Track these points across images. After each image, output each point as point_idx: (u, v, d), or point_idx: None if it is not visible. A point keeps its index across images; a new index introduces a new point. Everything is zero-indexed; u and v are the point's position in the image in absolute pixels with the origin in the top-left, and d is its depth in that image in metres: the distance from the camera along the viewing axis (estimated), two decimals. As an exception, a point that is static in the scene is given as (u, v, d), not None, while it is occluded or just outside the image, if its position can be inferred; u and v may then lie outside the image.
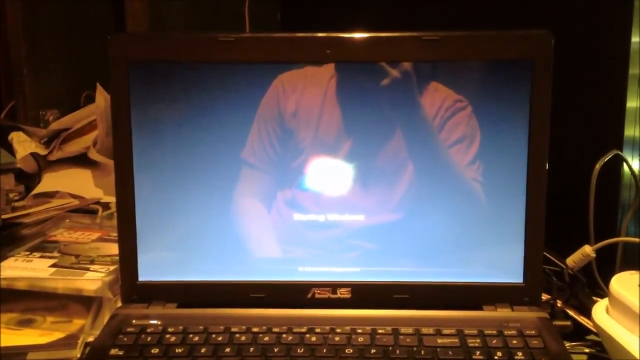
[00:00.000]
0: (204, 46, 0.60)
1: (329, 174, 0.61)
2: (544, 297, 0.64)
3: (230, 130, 0.61)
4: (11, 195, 1.01)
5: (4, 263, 0.70)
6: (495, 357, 0.53)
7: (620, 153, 0.68)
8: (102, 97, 1.02)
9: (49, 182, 1.04)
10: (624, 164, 0.69)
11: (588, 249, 0.65)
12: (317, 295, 0.61)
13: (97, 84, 1.03)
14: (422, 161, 0.61)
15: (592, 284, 0.67)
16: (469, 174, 0.60)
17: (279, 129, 0.61)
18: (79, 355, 0.59)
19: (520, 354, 0.54)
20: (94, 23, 1.34)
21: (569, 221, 0.69)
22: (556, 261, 0.69)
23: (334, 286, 0.61)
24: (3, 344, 0.60)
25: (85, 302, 0.65)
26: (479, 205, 0.61)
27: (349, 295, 0.61)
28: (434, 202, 0.61)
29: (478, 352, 0.54)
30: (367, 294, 0.61)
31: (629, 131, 0.71)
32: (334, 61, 0.59)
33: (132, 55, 0.60)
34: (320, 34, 0.59)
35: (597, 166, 0.66)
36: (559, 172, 0.61)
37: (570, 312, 0.65)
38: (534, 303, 0.60)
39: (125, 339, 0.56)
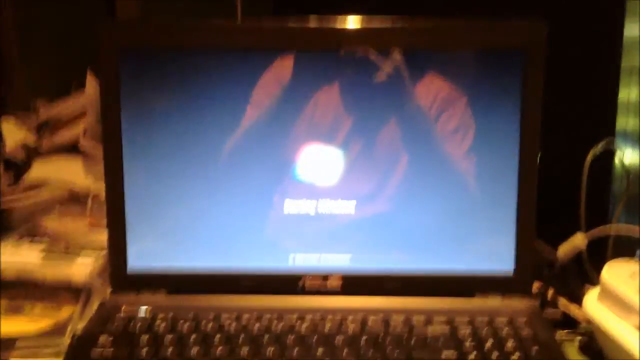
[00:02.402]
0: (195, 33, 0.60)
1: (322, 164, 0.61)
2: (535, 286, 0.65)
3: (222, 117, 0.60)
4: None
5: (-8, 250, 0.70)
6: (486, 346, 0.53)
7: (612, 144, 0.68)
8: (92, 84, 1.02)
9: (38, 169, 1.04)
10: (616, 154, 0.69)
11: (579, 239, 0.65)
12: (308, 284, 0.61)
13: (87, 70, 1.02)
14: (416, 152, 0.60)
15: (583, 273, 0.67)
16: (463, 164, 0.60)
17: (272, 118, 0.61)
18: (68, 343, 0.59)
19: (510, 342, 0.54)
20: (85, 11, 1.33)
21: (560, 211, 0.69)
22: (547, 251, 0.69)
23: (325, 275, 0.61)
24: (-9, 331, 0.60)
25: (75, 290, 0.64)
26: (471, 195, 0.60)
27: (339, 284, 0.61)
28: (426, 192, 0.61)
29: (468, 341, 0.54)
30: (358, 284, 0.61)
31: (621, 122, 0.71)
32: (327, 49, 0.59)
33: (123, 42, 0.59)
34: (313, 21, 0.59)
35: (589, 157, 0.66)
36: (551, 163, 0.61)
37: (562, 301, 0.65)
38: (525, 292, 0.60)
39: (114, 326, 0.56)
